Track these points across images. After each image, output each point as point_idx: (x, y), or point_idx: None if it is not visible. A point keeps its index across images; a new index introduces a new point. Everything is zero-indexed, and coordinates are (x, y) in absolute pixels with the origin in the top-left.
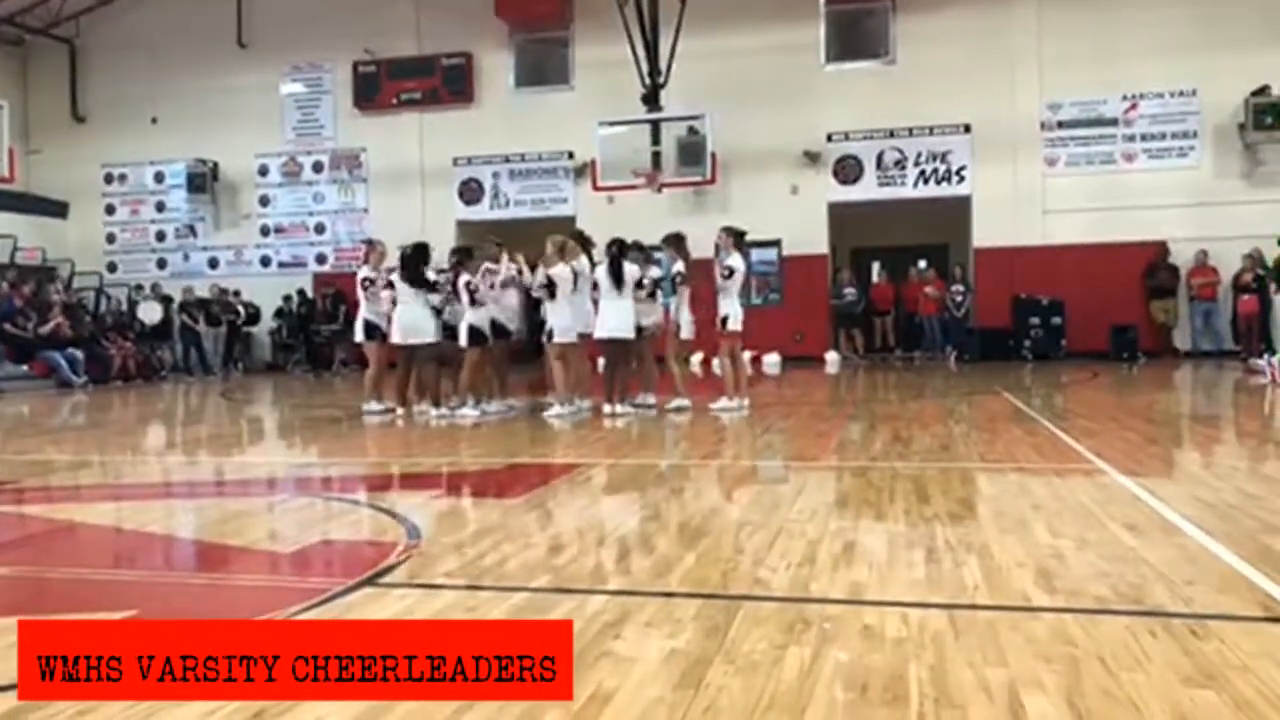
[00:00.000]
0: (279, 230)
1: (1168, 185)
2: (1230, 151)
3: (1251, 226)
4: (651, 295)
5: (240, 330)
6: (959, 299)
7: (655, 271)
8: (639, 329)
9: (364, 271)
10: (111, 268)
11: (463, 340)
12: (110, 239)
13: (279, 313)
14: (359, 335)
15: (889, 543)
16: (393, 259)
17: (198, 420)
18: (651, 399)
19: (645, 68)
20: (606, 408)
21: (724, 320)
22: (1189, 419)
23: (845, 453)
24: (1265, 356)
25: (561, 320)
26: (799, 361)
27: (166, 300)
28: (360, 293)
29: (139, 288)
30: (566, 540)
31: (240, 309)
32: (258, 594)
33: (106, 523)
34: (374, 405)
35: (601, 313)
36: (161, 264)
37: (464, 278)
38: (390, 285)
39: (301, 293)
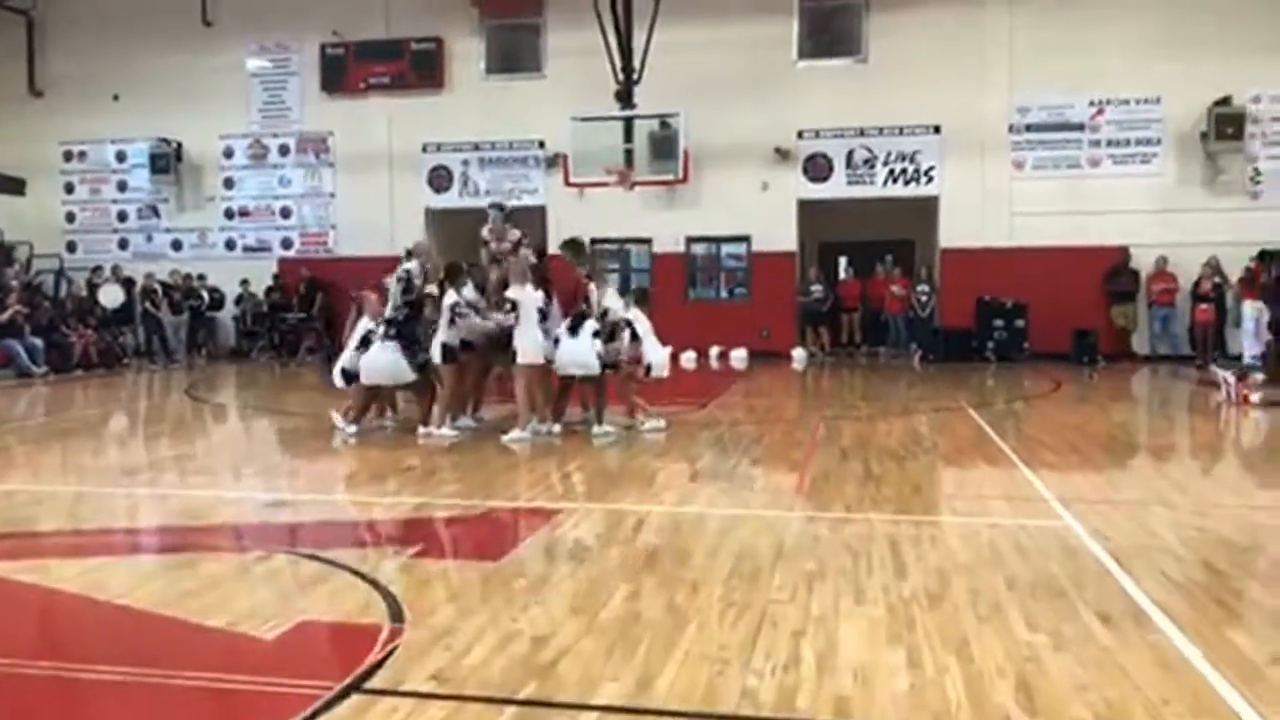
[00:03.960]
0: (244, 213)
1: (1131, 191)
2: (1192, 160)
3: (1211, 234)
4: (611, 337)
5: (204, 316)
6: (924, 298)
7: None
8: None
9: (449, 297)
10: (71, 247)
11: (436, 358)
12: (70, 218)
13: (239, 299)
14: (437, 357)
15: (870, 638)
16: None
17: (163, 431)
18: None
19: (619, 64)
20: (556, 427)
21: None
22: (1151, 453)
23: (821, 496)
24: (1225, 371)
25: (527, 342)
26: (765, 357)
27: (128, 283)
28: (445, 315)
29: (98, 269)
30: (550, 628)
31: (205, 294)
32: (246, 701)
33: (71, 588)
34: (447, 431)
35: (561, 350)
36: (123, 245)
37: (450, 298)
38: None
39: (277, 277)
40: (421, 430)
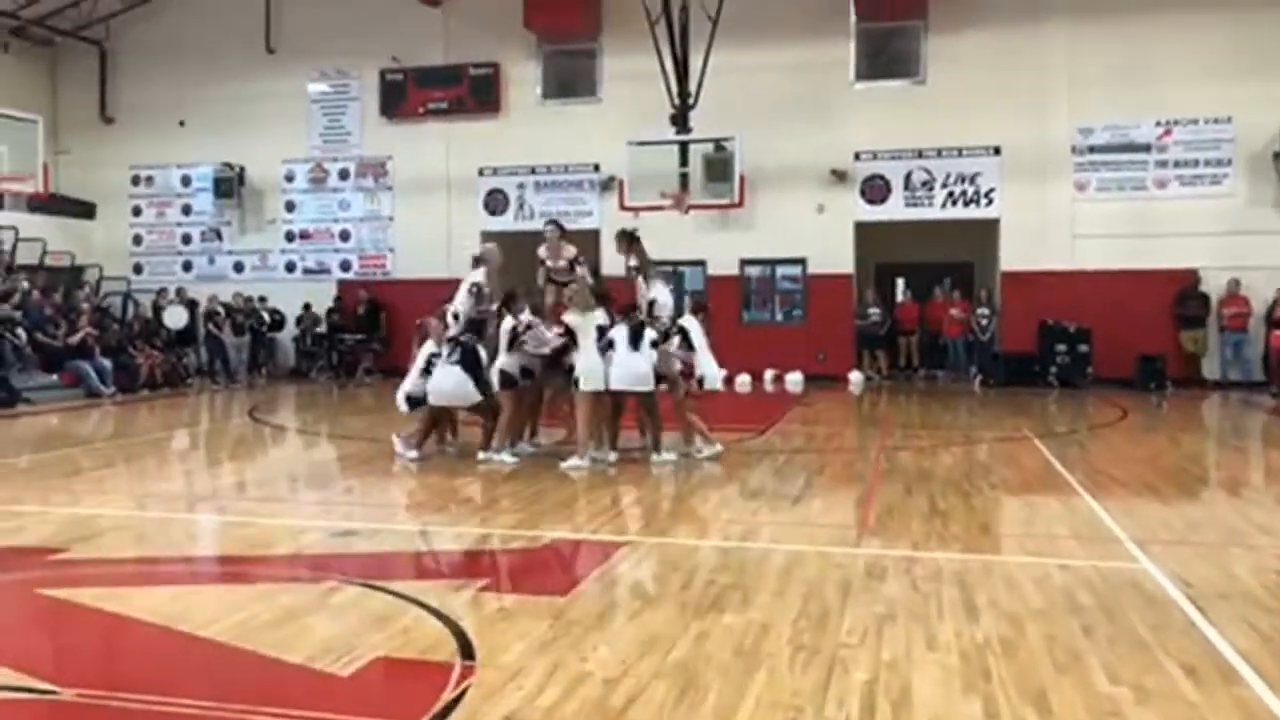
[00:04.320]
0: (304, 236)
1: (1200, 213)
2: (1264, 180)
3: None
4: (664, 337)
5: (265, 337)
6: (984, 322)
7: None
8: (659, 377)
9: (508, 322)
10: (137, 269)
11: (495, 385)
12: (137, 241)
13: (299, 320)
14: (496, 385)
15: (945, 686)
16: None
17: (230, 455)
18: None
19: (675, 88)
20: (613, 455)
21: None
22: (1226, 489)
23: (886, 532)
24: None
25: (589, 368)
26: (821, 381)
27: (191, 304)
28: (501, 339)
29: (163, 291)
30: (620, 670)
31: (265, 315)
32: None
33: (154, 619)
34: (507, 457)
35: (618, 364)
36: (187, 267)
37: (508, 322)
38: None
39: (339, 299)
40: (481, 455)
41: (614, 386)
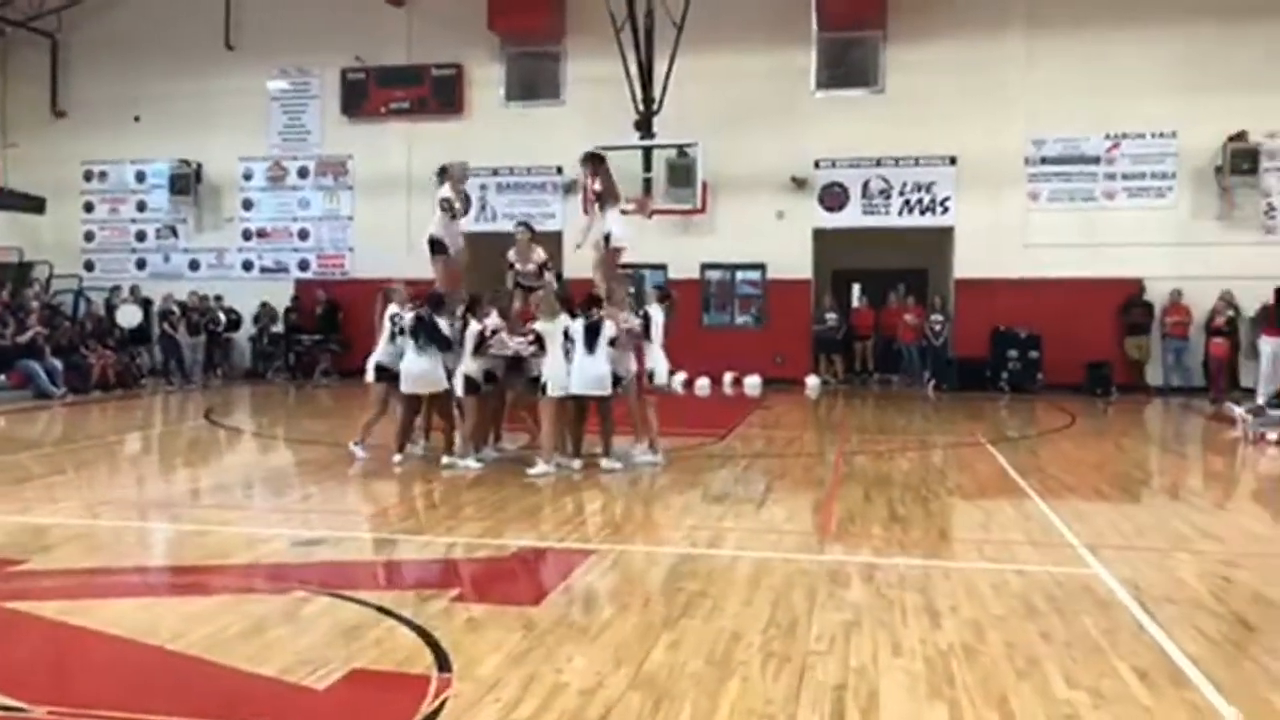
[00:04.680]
0: (262, 234)
1: (1146, 224)
2: (1207, 194)
3: (1225, 268)
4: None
5: (221, 337)
6: (938, 328)
7: (634, 321)
8: (615, 378)
9: (474, 326)
10: (89, 266)
11: (459, 390)
12: (88, 237)
13: (256, 318)
14: (459, 390)
15: (911, 692)
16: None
17: (188, 460)
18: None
19: (640, 94)
20: (577, 462)
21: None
22: (1170, 495)
23: (848, 538)
24: (1241, 409)
25: (554, 373)
26: (779, 384)
27: (146, 303)
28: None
29: (116, 289)
30: (595, 680)
31: (221, 315)
32: None
33: (121, 632)
34: (471, 462)
35: (576, 368)
36: (141, 264)
37: (474, 327)
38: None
39: (296, 298)
40: (445, 460)
41: (574, 390)
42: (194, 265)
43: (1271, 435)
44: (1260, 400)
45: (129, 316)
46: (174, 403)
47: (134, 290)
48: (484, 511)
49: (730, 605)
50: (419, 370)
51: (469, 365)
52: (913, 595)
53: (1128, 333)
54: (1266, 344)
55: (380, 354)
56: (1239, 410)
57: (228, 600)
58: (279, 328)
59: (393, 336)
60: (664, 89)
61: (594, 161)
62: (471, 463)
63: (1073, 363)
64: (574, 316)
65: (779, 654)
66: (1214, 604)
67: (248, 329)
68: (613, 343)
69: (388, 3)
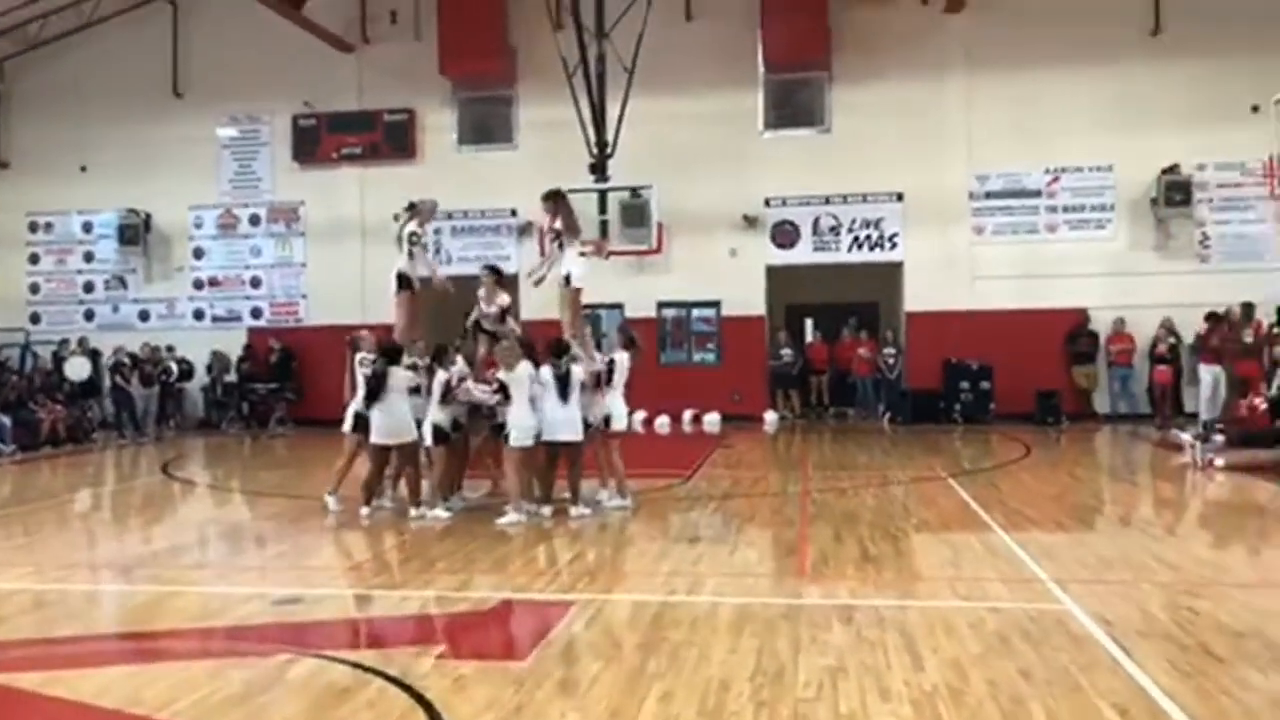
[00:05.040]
0: (213, 283)
1: (1087, 255)
2: (1144, 225)
3: (1164, 296)
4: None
5: (173, 387)
6: (891, 361)
7: (598, 364)
8: (585, 424)
9: (441, 375)
10: (35, 319)
11: (428, 440)
12: (34, 289)
13: (209, 368)
14: (429, 439)
15: None
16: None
17: (152, 518)
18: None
19: (593, 138)
20: (546, 509)
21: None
22: (1129, 525)
23: (824, 580)
24: (1188, 434)
25: (520, 422)
26: (737, 421)
27: (95, 355)
28: (434, 393)
29: (64, 342)
30: None
31: (173, 365)
32: None
33: (104, 703)
34: (440, 512)
35: (549, 416)
36: (89, 316)
37: (440, 375)
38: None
39: (248, 347)
40: (414, 512)
41: (546, 438)
42: (144, 316)
43: (1219, 461)
44: (1202, 426)
45: (78, 369)
46: (128, 456)
47: (82, 342)
48: (458, 563)
49: (716, 653)
50: (387, 422)
51: (436, 414)
52: (893, 636)
53: (1074, 362)
54: (1206, 372)
55: (357, 403)
56: (1185, 437)
57: (213, 665)
58: (232, 377)
59: (367, 383)
60: (617, 132)
61: (555, 199)
62: (440, 512)
63: (1023, 392)
64: (537, 365)
65: (769, 703)
66: (1182, 636)
67: (200, 379)
68: (582, 388)
69: (337, 49)
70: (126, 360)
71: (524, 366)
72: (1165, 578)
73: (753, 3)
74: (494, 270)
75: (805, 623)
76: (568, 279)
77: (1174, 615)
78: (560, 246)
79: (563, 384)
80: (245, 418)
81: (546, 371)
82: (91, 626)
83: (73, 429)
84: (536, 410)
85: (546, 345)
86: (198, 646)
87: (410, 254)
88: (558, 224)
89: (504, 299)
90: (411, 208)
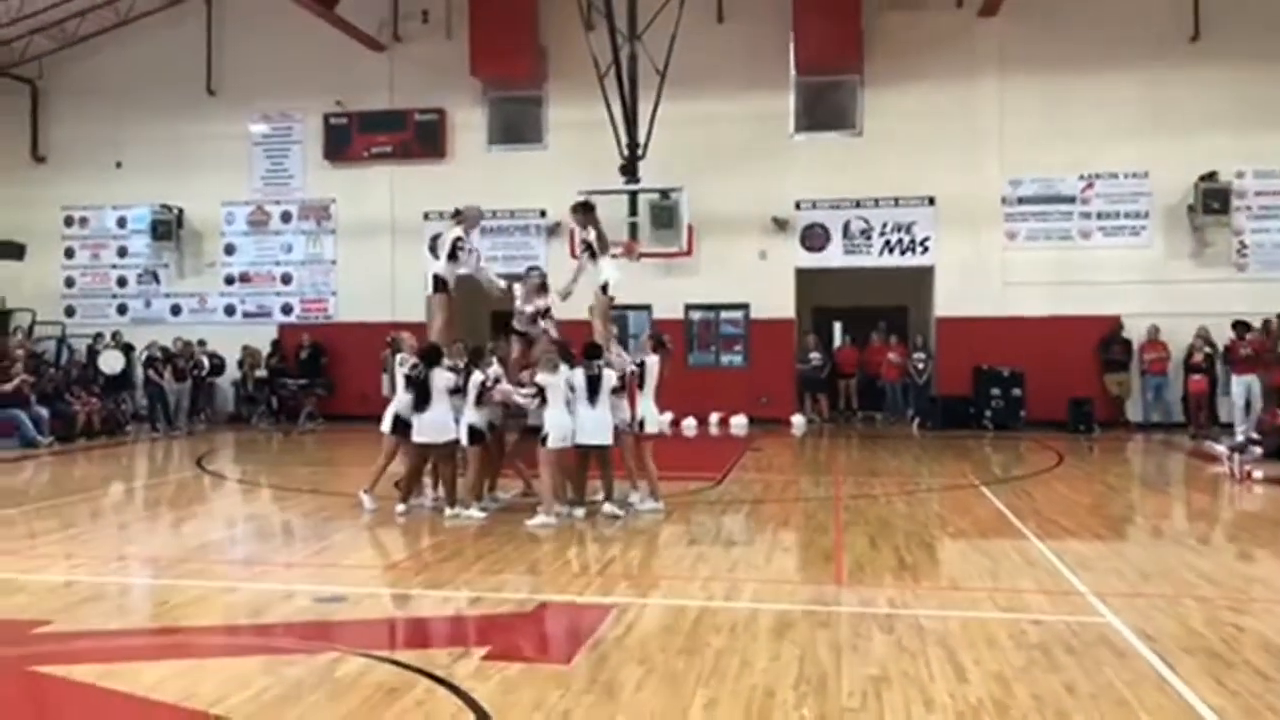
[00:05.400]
0: (244, 279)
1: (1121, 262)
2: (1180, 232)
3: (1199, 304)
4: (622, 388)
5: (205, 382)
6: (921, 366)
7: (628, 365)
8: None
9: (477, 376)
10: (69, 312)
11: (463, 440)
12: (69, 283)
13: (240, 363)
14: (464, 439)
15: None
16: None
17: (192, 512)
18: (634, 497)
19: (624, 139)
20: (579, 511)
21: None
22: (1167, 537)
23: (861, 588)
24: (1226, 445)
25: (558, 425)
26: (764, 424)
27: (128, 349)
28: (469, 394)
29: (99, 336)
30: None
31: (205, 360)
32: None
33: (164, 697)
34: (475, 512)
35: (579, 419)
36: (122, 310)
37: (476, 376)
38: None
39: (276, 343)
40: (449, 512)
41: (578, 441)
42: (176, 310)
43: (1258, 473)
44: (1239, 437)
45: (112, 362)
46: (162, 450)
47: (116, 336)
48: (496, 564)
49: (758, 660)
50: (430, 421)
51: (472, 415)
52: (935, 648)
53: (1107, 369)
54: (1237, 382)
55: (398, 404)
56: (1220, 448)
57: (264, 662)
58: (262, 372)
59: (408, 385)
60: (649, 134)
61: (584, 211)
62: (475, 512)
63: (1054, 399)
64: (572, 367)
65: (814, 712)
66: (1228, 653)
67: (231, 373)
68: (614, 391)
69: (369, 48)
70: (159, 354)
71: (563, 370)
72: (1206, 592)
73: (785, 5)
74: (540, 272)
75: (846, 630)
76: (604, 287)
77: (1218, 631)
78: (593, 257)
79: (593, 386)
80: (275, 413)
81: (579, 374)
82: (143, 620)
83: (106, 421)
84: (571, 413)
85: (580, 348)
86: (248, 643)
87: (455, 258)
88: (589, 234)
89: (543, 302)
90: (457, 214)
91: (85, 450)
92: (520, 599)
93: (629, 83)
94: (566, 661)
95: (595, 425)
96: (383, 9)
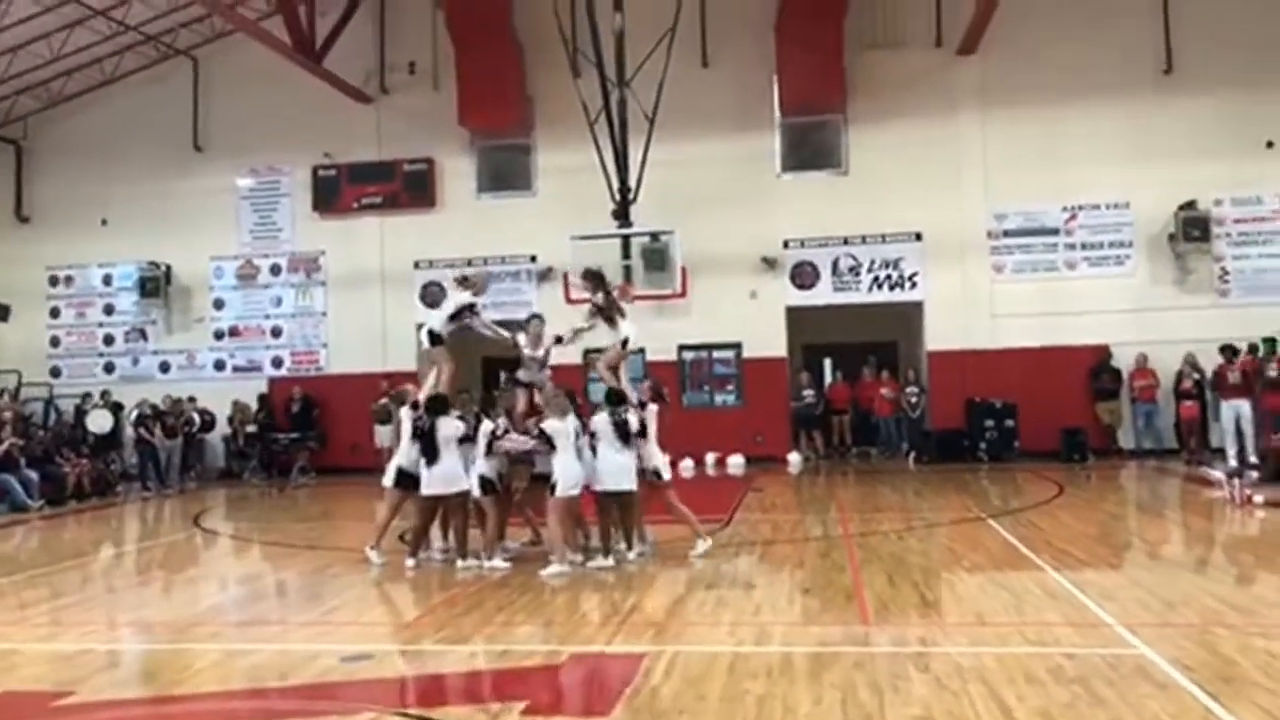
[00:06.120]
0: (234, 333)
1: (1107, 292)
2: (1162, 260)
3: (1184, 331)
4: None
5: (195, 439)
6: (914, 400)
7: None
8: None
9: (486, 425)
10: (55, 373)
11: (475, 491)
12: (54, 343)
13: (231, 419)
14: (476, 491)
15: None
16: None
17: (197, 574)
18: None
19: (615, 183)
20: (611, 560)
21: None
22: (1182, 564)
23: (889, 626)
24: (1223, 470)
25: (567, 473)
26: (761, 462)
27: (116, 408)
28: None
29: (87, 395)
30: None
31: (196, 416)
32: None
33: None
34: (499, 563)
35: (603, 463)
36: (109, 368)
37: (485, 426)
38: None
39: (263, 398)
40: (461, 564)
41: (605, 487)
42: (164, 367)
43: (1258, 497)
44: (1232, 461)
45: (100, 422)
46: (156, 509)
47: (105, 395)
48: (518, 615)
49: (801, 705)
50: (439, 472)
51: (482, 466)
52: (975, 685)
53: (1098, 398)
54: (1228, 408)
55: (401, 457)
56: (1218, 473)
57: None
58: (253, 427)
59: (415, 437)
60: (639, 178)
61: (594, 279)
62: (499, 563)
63: (1047, 430)
64: (579, 415)
65: None
66: (1267, 681)
67: (222, 429)
68: (640, 434)
69: (356, 101)
70: (149, 412)
71: (570, 417)
72: (1233, 620)
73: (768, 48)
74: (540, 319)
75: (883, 671)
76: (624, 342)
77: (1253, 660)
78: (607, 320)
79: (621, 431)
80: (267, 467)
81: (603, 419)
82: (168, 687)
83: (96, 482)
84: (581, 460)
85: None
86: (283, 706)
87: (457, 319)
88: (599, 299)
89: (548, 341)
90: (464, 280)
91: (77, 513)
92: (548, 650)
93: (620, 128)
94: (606, 713)
95: (620, 471)
96: (369, 62)
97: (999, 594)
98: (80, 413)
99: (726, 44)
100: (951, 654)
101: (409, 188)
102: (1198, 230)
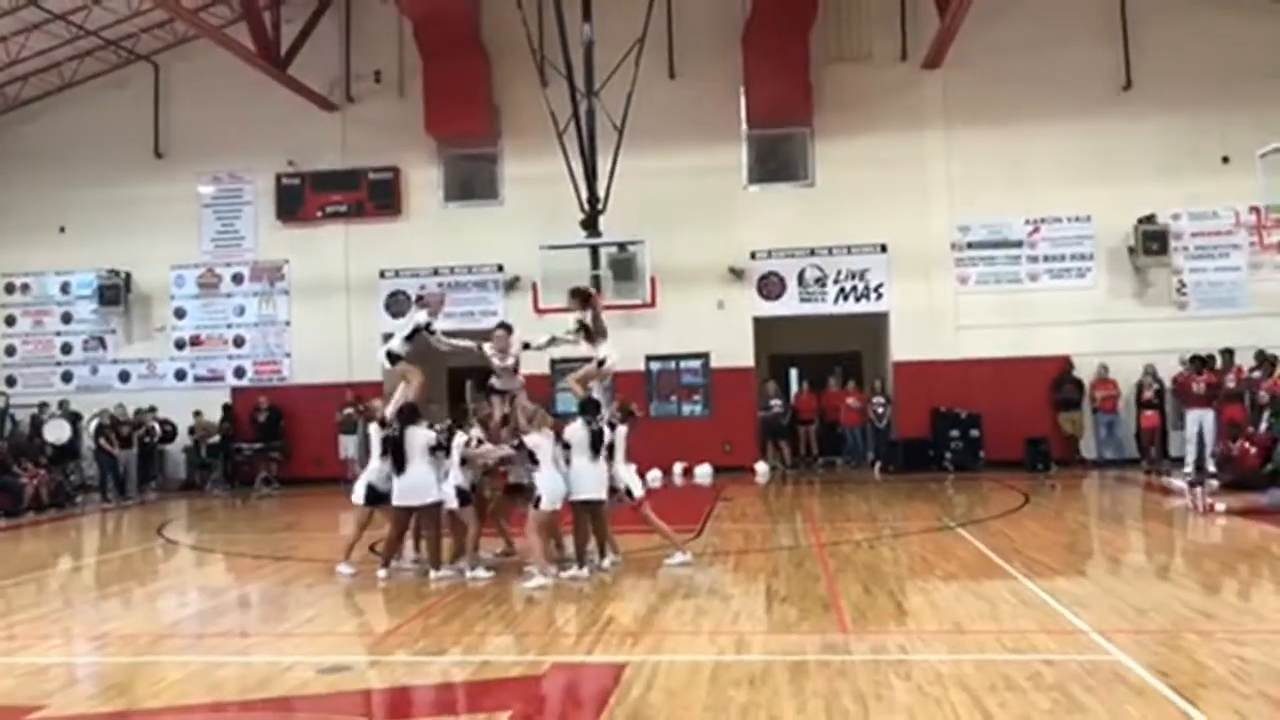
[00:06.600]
0: (195, 342)
1: (1069, 303)
2: (1123, 273)
3: (1144, 342)
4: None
5: (155, 450)
6: (880, 410)
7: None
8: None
9: (460, 437)
10: (10, 381)
11: (452, 503)
12: (10, 351)
13: (192, 429)
14: (452, 502)
15: None
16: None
17: (165, 585)
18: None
19: (584, 194)
20: (585, 570)
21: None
22: (1150, 572)
23: (867, 635)
24: (1183, 479)
25: (551, 487)
26: (729, 472)
27: (75, 418)
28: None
29: (44, 405)
30: None
31: (156, 427)
32: None
33: None
34: (481, 573)
35: (576, 474)
36: (67, 378)
37: (459, 437)
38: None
39: (227, 407)
40: (434, 575)
41: (581, 497)
42: (124, 377)
43: (1220, 505)
44: (1189, 469)
45: (58, 432)
46: (117, 521)
47: (63, 405)
48: (496, 626)
49: (785, 714)
50: (409, 483)
51: (458, 477)
52: (957, 692)
53: (1060, 408)
54: (1192, 418)
55: (371, 473)
56: (1179, 482)
57: None
58: (215, 438)
59: (384, 448)
60: (608, 189)
61: (582, 297)
62: (482, 573)
63: (1011, 439)
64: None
65: None
66: (1240, 685)
67: (183, 439)
68: (611, 448)
69: (321, 108)
70: (109, 422)
71: (540, 436)
72: (1204, 625)
73: (734, 60)
74: (506, 326)
75: (864, 679)
76: (601, 362)
77: (1225, 665)
78: (588, 339)
79: (596, 441)
80: (229, 478)
81: (578, 428)
82: (143, 700)
83: (55, 493)
84: (560, 470)
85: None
86: (266, 718)
87: (412, 341)
88: (585, 317)
89: (516, 348)
90: (420, 300)
91: (32, 525)
92: (529, 660)
93: (588, 138)
94: None
95: (595, 480)
96: (334, 70)
97: (973, 602)
98: (37, 422)
99: (694, 56)
100: (931, 661)
101: (374, 196)
102: (1156, 244)
